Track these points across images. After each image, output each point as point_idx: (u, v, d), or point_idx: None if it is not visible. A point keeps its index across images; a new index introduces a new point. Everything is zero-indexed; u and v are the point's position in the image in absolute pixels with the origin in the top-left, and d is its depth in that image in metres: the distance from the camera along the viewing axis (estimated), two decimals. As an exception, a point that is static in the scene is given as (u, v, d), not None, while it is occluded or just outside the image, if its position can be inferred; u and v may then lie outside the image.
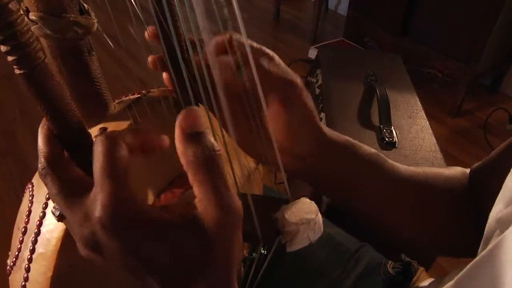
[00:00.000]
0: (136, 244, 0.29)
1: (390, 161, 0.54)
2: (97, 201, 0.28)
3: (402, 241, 0.60)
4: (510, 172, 0.41)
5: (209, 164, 0.29)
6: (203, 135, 0.30)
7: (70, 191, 0.32)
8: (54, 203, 0.35)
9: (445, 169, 0.58)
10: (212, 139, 0.31)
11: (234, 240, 0.30)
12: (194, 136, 0.30)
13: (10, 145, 2.17)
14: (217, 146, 0.30)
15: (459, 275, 0.41)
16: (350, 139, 0.53)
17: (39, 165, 0.33)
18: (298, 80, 0.46)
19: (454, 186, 0.56)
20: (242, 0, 4.15)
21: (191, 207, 0.30)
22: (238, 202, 0.30)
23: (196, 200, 0.30)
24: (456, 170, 0.58)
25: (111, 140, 0.30)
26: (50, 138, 0.34)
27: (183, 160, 0.30)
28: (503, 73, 2.66)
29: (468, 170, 0.58)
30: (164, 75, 0.45)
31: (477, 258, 0.39)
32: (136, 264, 0.29)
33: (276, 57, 0.45)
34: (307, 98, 0.47)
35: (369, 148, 0.53)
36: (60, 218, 0.34)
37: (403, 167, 0.55)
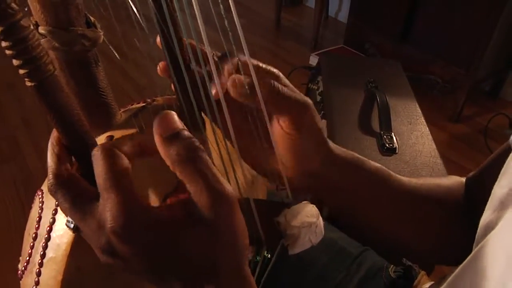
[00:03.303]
0: (149, 246, 0.30)
1: (394, 174, 0.55)
2: (106, 211, 0.30)
3: (404, 250, 0.61)
4: (498, 180, 0.43)
5: (192, 158, 0.31)
6: (181, 133, 0.31)
7: (81, 204, 0.33)
8: (66, 216, 0.36)
9: (443, 179, 0.59)
10: (189, 134, 0.32)
11: (234, 223, 0.32)
12: (172, 137, 0.31)
13: (13, 151, 2.19)
14: (196, 140, 0.32)
15: (444, 285, 0.43)
16: (356, 154, 0.53)
17: (48, 182, 0.34)
18: (309, 101, 0.46)
19: (453, 196, 0.57)
20: (242, 7, 4.18)
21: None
22: (227, 186, 0.31)
23: (191, 195, 0.31)
24: (454, 180, 0.59)
25: (108, 151, 0.32)
26: (58, 154, 0.35)
27: (168, 162, 0.31)
28: (503, 78, 2.66)
29: (464, 179, 0.59)
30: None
31: (460, 265, 0.40)
32: (152, 264, 0.31)
33: (284, 78, 0.46)
34: (317, 118, 0.47)
35: (374, 163, 0.54)
36: (75, 230, 0.35)
37: (406, 180, 0.55)
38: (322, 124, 0.49)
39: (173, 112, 0.33)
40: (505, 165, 0.43)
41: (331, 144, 0.50)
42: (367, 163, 0.53)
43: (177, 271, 0.32)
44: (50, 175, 0.34)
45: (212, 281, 0.32)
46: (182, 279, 0.32)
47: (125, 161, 0.32)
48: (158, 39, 0.42)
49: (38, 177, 2.00)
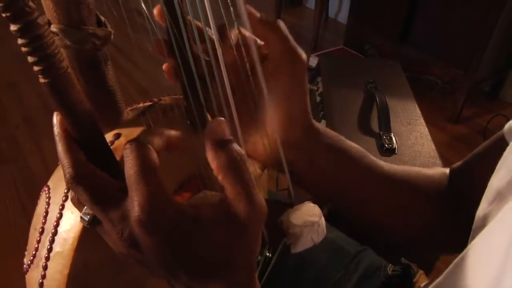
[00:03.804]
0: (172, 238, 0.31)
1: (372, 156, 0.56)
2: (134, 202, 0.31)
3: (389, 235, 0.62)
4: (494, 172, 0.43)
5: (238, 166, 0.32)
6: (231, 142, 0.33)
7: (102, 196, 0.34)
8: (81, 210, 0.36)
9: (426, 169, 0.61)
10: (237, 145, 0.34)
11: (258, 233, 0.34)
12: (224, 143, 0.33)
13: (13, 151, 2.19)
14: (243, 151, 0.33)
15: (439, 279, 0.44)
16: (333, 132, 0.55)
17: (67, 175, 0.34)
18: (305, 57, 0.48)
19: (435, 184, 0.58)
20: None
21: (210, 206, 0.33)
22: (263, 200, 0.33)
23: (230, 199, 0.32)
24: (437, 170, 0.61)
25: (141, 145, 0.33)
26: (71, 147, 0.36)
27: (214, 165, 0.33)
28: (503, 79, 2.68)
29: (447, 170, 0.60)
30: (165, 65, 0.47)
31: (454, 261, 0.41)
32: (171, 257, 0.32)
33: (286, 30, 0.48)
34: (306, 79, 0.49)
35: (352, 143, 0.56)
36: (90, 223, 0.36)
37: (385, 164, 0.57)
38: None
39: (225, 120, 0.34)
40: (503, 157, 0.44)
41: (313, 119, 0.53)
42: (344, 141, 0.55)
43: (191, 267, 0.33)
44: (70, 168, 0.34)
45: (222, 280, 0.33)
46: (193, 275, 0.33)
47: (155, 155, 0.33)
48: (155, 11, 0.43)
49: (39, 177, 2.01)
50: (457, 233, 0.46)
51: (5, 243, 1.68)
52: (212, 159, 0.33)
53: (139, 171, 0.32)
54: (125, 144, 0.33)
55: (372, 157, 0.56)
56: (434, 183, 0.58)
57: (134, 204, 0.31)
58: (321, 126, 0.54)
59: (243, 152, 0.33)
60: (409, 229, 0.59)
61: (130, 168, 0.32)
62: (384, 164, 0.57)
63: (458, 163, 0.59)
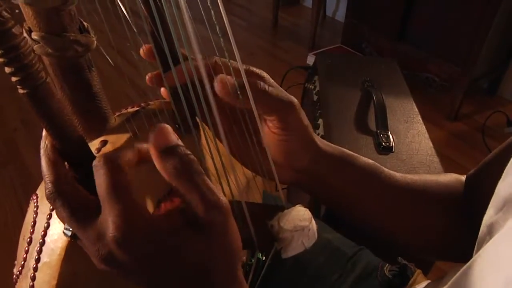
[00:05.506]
0: (151, 255, 0.31)
1: (387, 170, 0.55)
2: (108, 221, 0.30)
3: (400, 245, 0.62)
4: (502, 178, 0.42)
5: (188, 171, 0.32)
6: (176, 147, 0.33)
7: (80, 212, 0.33)
8: (64, 224, 0.36)
9: (441, 176, 0.59)
10: (183, 148, 0.33)
11: (228, 230, 0.33)
12: (169, 150, 0.32)
13: (12, 155, 2.19)
14: (190, 153, 0.33)
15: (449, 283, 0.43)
16: (347, 151, 0.54)
17: (46, 191, 0.34)
18: (295, 100, 0.47)
19: (450, 192, 0.57)
20: (240, 8, 4.18)
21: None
22: (221, 197, 0.32)
23: (188, 206, 0.32)
24: (452, 177, 0.59)
25: (110, 162, 0.32)
26: (54, 162, 0.35)
27: (164, 174, 0.32)
28: (500, 76, 2.67)
29: (463, 177, 0.59)
30: (162, 89, 0.47)
31: (461, 270, 0.40)
32: (152, 273, 0.32)
33: (269, 78, 0.47)
34: (303, 117, 0.48)
35: (366, 159, 0.54)
36: (73, 238, 0.36)
37: (400, 176, 0.56)
38: (309, 121, 0.50)
39: (168, 126, 0.34)
40: (510, 162, 0.42)
41: (319, 141, 0.51)
42: (358, 159, 0.54)
43: (174, 279, 0.33)
44: (49, 184, 0.34)
45: (207, 285, 0.33)
46: (176, 285, 0.33)
47: (126, 172, 0.33)
48: (141, 52, 0.43)
49: (37, 180, 2.00)
50: (471, 242, 0.45)
51: (3, 246, 1.68)
52: (160, 169, 0.32)
53: (110, 189, 0.31)
54: (94, 161, 0.33)
55: (386, 171, 0.55)
56: (450, 192, 0.57)
57: (109, 224, 0.30)
58: (331, 147, 0.53)
59: (191, 155, 0.33)
60: (425, 240, 0.58)
61: (100, 186, 0.32)
62: (400, 176, 0.56)
63: (473, 170, 0.58)
